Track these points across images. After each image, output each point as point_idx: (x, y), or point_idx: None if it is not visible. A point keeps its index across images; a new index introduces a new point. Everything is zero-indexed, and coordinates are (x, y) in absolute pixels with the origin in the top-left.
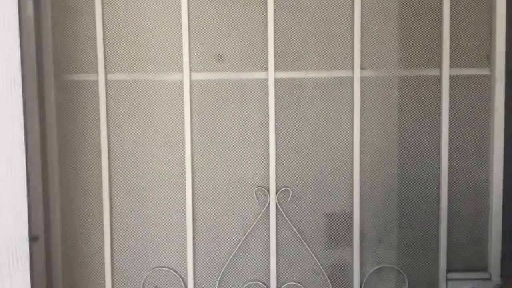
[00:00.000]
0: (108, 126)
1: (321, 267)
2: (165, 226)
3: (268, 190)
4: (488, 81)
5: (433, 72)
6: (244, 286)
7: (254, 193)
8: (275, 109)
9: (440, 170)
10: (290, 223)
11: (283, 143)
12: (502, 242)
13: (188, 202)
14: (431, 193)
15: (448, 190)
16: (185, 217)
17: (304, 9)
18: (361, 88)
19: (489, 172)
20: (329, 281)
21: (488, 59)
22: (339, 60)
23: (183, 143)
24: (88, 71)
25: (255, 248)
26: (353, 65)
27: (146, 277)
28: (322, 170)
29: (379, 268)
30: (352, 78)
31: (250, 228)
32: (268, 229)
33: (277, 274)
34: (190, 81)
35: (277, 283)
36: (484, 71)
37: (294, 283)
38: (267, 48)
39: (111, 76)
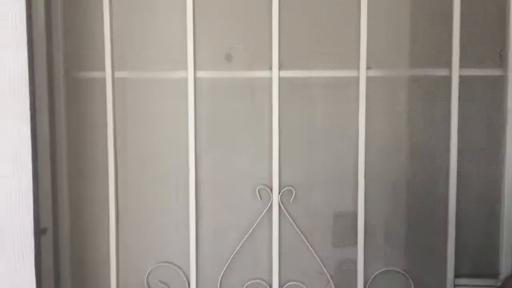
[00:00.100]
0: (114, 123)
1: (323, 267)
2: (169, 222)
3: (271, 189)
4: (500, 81)
5: (443, 72)
6: (246, 284)
7: (257, 192)
8: (279, 108)
9: (448, 171)
10: (292, 222)
11: (287, 142)
12: None
13: (192, 199)
14: (439, 195)
15: (458, 192)
16: (188, 213)
17: (309, 7)
18: (367, 88)
19: (501, 175)
20: (332, 282)
21: (500, 59)
22: (345, 59)
23: (187, 141)
24: (97, 69)
25: (258, 246)
26: (359, 65)
27: (150, 271)
28: (327, 170)
29: (383, 271)
30: (358, 78)
31: (253, 227)
32: (271, 228)
33: (279, 273)
34: (195, 79)
35: (279, 282)
36: (497, 72)
37: (296, 282)
38: (271, 47)
39: (118, 74)
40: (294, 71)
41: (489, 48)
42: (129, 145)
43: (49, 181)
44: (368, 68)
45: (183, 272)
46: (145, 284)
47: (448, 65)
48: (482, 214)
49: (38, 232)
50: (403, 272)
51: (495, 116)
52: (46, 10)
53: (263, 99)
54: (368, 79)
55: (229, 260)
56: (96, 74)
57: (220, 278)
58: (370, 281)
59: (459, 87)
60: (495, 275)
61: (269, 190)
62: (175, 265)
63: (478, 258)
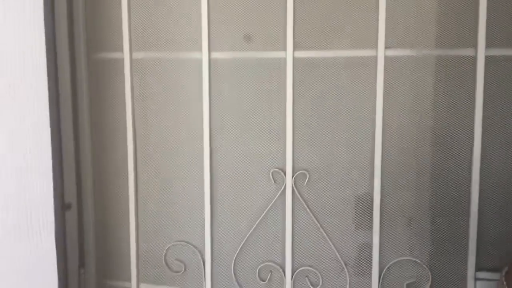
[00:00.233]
0: (133, 102)
1: (337, 253)
2: (186, 202)
3: (285, 173)
4: None
5: (468, 52)
6: (260, 266)
7: (270, 175)
8: (293, 90)
9: (472, 158)
10: (306, 206)
11: (301, 125)
12: None
13: (206, 180)
14: (461, 183)
15: (481, 180)
16: (203, 194)
17: None
18: (385, 68)
19: None
20: (345, 269)
21: None
22: (364, 38)
23: (202, 123)
24: (118, 50)
25: (271, 230)
26: (377, 44)
27: (168, 249)
28: (342, 154)
29: (400, 260)
30: (376, 58)
31: (266, 210)
32: (284, 212)
33: (292, 257)
34: (209, 60)
35: (292, 267)
36: None
37: (309, 268)
38: (285, 26)
39: (136, 55)
40: (309, 51)
41: None
42: (148, 125)
43: (73, 158)
44: (387, 47)
45: (199, 252)
46: (163, 261)
47: (474, 44)
48: (506, 204)
49: (63, 207)
50: (421, 262)
51: None
52: None
53: (278, 81)
54: (387, 59)
55: (243, 242)
56: (117, 55)
57: (234, 259)
58: (385, 270)
59: (485, 68)
60: None
61: (282, 174)
62: (192, 244)
63: (501, 250)
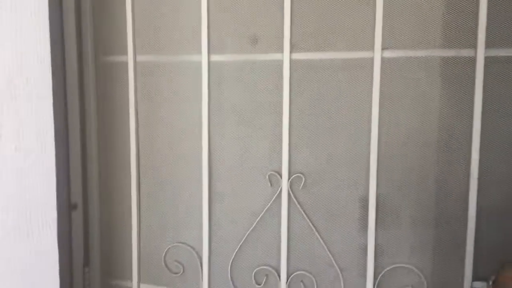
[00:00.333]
0: (136, 106)
1: (332, 258)
2: (186, 204)
3: (281, 176)
4: None
5: (467, 53)
6: (256, 270)
7: (267, 178)
8: (290, 92)
9: (470, 162)
10: (301, 210)
11: (299, 128)
12: None
13: (205, 182)
14: (459, 188)
15: (479, 185)
16: (202, 196)
17: None
18: (382, 70)
19: None
20: (341, 274)
21: None
22: (361, 39)
23: (201, 125)
24: (123, 53)
25: (267, 233)
26: (373, 45)
27: (167, 250)
28: (339, 157)
29: (395, 267)
30: (373, 60)
31: (262, 213)
32: (280, 215)
33: (288, 261)
34: (209, 62)
35: (288, 271)
36: None
37: (304, 272)
38: (283, 28)
39: (141, 58)
40: (306, 53)
41: None
42: (151, 127)
43: (79, 159)
44: (384, 48)
45: (197, 254)
46: (163, 262)
47: (474, 45)
48: (506, 211)
49: (70, 207)
50: (417, 270)
51: None
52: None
53: (275, 83)
54: (384, 60)
55: (239, 245)
56: (123, 58)
57: (231, 262)
58: (380, 276)
59: (484, 69)
60: None
61: (279, 176)
62: (190, 246)
63: (499, 259)
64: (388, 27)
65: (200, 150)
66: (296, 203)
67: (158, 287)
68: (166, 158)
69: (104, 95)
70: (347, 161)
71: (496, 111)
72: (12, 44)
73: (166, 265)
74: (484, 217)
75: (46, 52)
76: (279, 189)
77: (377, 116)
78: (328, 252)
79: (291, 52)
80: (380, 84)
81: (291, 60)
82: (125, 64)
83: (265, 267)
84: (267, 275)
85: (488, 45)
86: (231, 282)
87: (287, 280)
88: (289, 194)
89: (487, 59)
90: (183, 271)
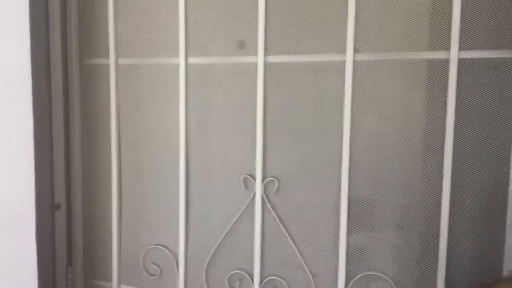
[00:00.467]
0: (118, 107)
1: (304, 264)
2: (164, 206)
3: (254, 179)
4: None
5: (440, 55)
6: (229, 274)
7: (241, 181)
8: (264, 95)
9: (442, 167)
10: (275, 215)
11: (273, 131)
12: None
13: (181, 185)
14: (433, 193)
15: (453, 191)
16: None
17: None
18: (355, 73)
19: (505, 174)
20: (312, 280)
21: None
22: (332, 42)
23: (178, 127)
24: (105, 56)
25: (241, 237)
26: (346, 48)
27: (146, 252)
28: (312, 161)
29: (366, 275)
30: (345, 62)
31: (236, 217)
32: (254, 219)
33: (261, 266)
34: (186, 65)
35: (261, 275)
36: (506, 54)
37: (277, 277)
38: (257, 31)
39: (123, 60)
40: (281, 56)
41: (495, 27)
42: (132, 129)
43: (63, 160)
44: (356, 51)
45: (174, 256)
46: (141, 264)
47: (447, 47)
48: (481, 219)
49: (53, 207)
50: (388, 278)
51: (501, 105)
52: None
53: (251, 86)
54: (356, 63)
55: (214, 249)
56: (106, 61)
57: (206, 265)
58: (351, 283)
59: (457, 72)
60: None
61: (253, 180)
62: (167, 249)
63: (475, 271)
64: (360, 30)
65: (178, 153)
66: (270, 207)
67: None
68: (146, 160)
69: (88, 97)
70: (320, 165)
71: (469, 113)
72: None
73: (144, 267)
74: (457, 224)
75: (27, 54)
76: (253, 193)
77: (349, 120)
78: (300, 258)
79: (265, 55)
80: (352, 87)
81: (265, 63)
82: (108, 66)
83: (239, 271)
84: (240, 280)
85: (462, 47)
86: (206, 286)
87: (260, 285)
88: (262, 198)
89: (461, 61)
90: (160, 273)
